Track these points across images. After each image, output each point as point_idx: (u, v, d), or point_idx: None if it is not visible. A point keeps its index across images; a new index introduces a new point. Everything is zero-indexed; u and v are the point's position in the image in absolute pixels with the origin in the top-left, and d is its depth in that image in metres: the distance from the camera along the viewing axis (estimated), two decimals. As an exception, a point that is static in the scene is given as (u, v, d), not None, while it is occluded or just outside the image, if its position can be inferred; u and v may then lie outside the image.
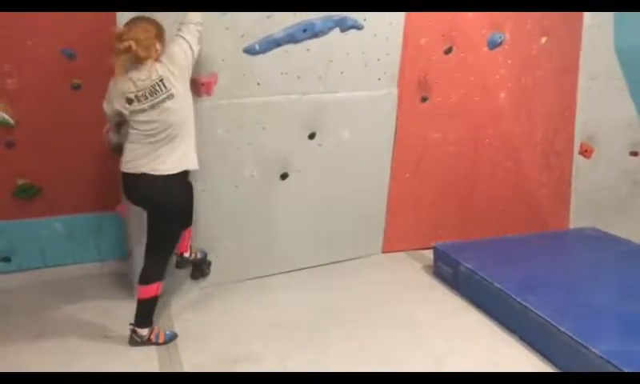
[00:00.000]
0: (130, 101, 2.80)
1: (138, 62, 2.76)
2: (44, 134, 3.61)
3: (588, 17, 4.28)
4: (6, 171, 3.61)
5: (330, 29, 3.49)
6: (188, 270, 3.52)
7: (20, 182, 3.67)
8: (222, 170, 3.46)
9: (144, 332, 2.95)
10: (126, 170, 2.92)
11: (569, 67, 4.36)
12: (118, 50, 2.72)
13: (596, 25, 4.29)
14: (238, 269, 3.71)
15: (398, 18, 3.71)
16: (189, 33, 2.86)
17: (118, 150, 3.27)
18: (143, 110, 2.79)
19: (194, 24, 2.87)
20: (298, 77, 3.51)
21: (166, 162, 2.84)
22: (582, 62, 4.38)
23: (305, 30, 3.41)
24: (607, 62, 4.38)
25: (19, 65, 3.44)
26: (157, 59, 2.80)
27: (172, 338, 3.03)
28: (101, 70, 3.32)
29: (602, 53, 4.35)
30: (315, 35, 3.46)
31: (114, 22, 2.97)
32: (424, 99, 4.02)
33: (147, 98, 2.77)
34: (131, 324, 2.96)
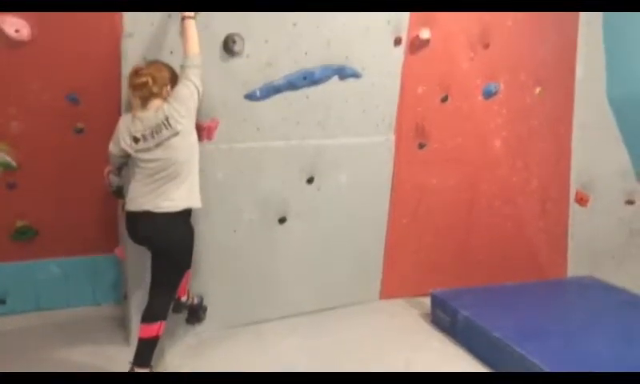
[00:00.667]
0: (136, 140, 2.85)
1: (148, 99, 2.84)
2: (45, 176, 3.64)
3: (580, 68, 4.40)
4: (6, 213, 3.63)
5: (329, 77, 3.57)
6: (184, 315, 3.50)
7: (19, 223, 3.67)
8: (221, 213, 3.48)
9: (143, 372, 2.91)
10: (129, 209, 2.94)
11: (563, 117, 4.45)
12: (134, 84, 2.81)
13: (588, 76, 4.40)
14: (234, 314, 3.68)
15: (395, 68, 3.80)
16: (193, 75, 2.91)
17: (119, 193, 3.30)
18: (149, 149, 2.84)
19: (196, 67, 2.93)
20: (298, 122, 3.58)
21: (170, 200, 2.86)
22: (575, 112, 4.47)
23: (305, 78, 3.49)
24: (600, 112, 4.46)
25: (24, 108, 3.49)
26: (165, 99, 2.87)
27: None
28: (104, 114, 3.41)
29: (595, 103, 4.45)
30: (315, 83, 3.54)
31: (118, 68, 3.05)
32: (421, 146, 4.08)
33: (153, 137, 2.82)
34: (130, 362, 2.91)
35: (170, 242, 2.93)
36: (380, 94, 3.80)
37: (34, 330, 3.61)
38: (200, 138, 3.25)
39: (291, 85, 3.47)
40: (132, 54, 3.01)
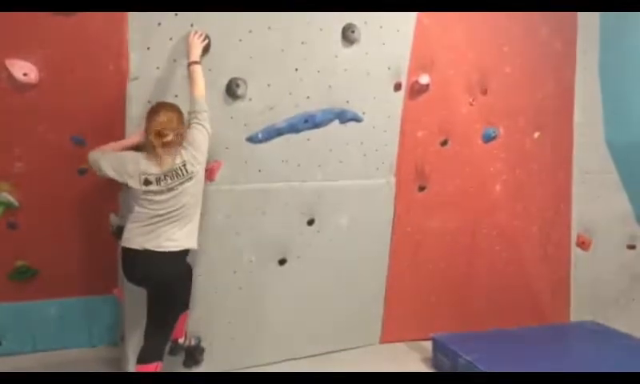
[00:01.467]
0: (148, 182, 2.86)
1: (166, 147, 2.86)
2: (47, 216, 3.65)
3: (578, 113, 4.46)
4: (6, 252, 3.62)
5: (330, 120, 3.63)
6: (180, 357, 3.44)
7: (18, 263, 3.67)
8: (221, 254, 3.48)
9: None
10: (127, 246, 2.91)
11: (562, 161, 4.49)
12: (163, 143, 2.83)
13: (586, 121, 4.46)
14: (231, 357, 3.63)
15: (395, 112, 3.86)
16: (204, 120, 2.98)
17: (119, 233, 3.30)
18: (160, 192, 2.85)
19: (205, 111, 2.99)
20: (299, 165, 3.61)
21: (172, 240, 2.87)
22: (575, 156, 4.51)
23: (306, 121, 3.55)
24: (599, 156, 4.51)
25: (29, 149, 3.52)
26: (181, 144, 2.90)
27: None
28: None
29: (594, 148, 4.50)
30: (316, 126, 3.59)
31: (123, 110, 3.10)
32: (421, 189, 4.10)
33: (167, 182, 2.85)
34: None
35: (171, 279, 2.92)
36: (380, 138, 3.85)
37: (30, 372, 3.54)
38: (202, 179, 3.28)
39: (293, 128, 3.52)
40: (137, 97, 3.07)
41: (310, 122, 3.56)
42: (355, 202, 3.86)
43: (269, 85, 3.38)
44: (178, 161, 2.87)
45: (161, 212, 2.86)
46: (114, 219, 3.39)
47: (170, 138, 2.84)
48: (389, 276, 4.12)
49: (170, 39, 3.08)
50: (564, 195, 4.52)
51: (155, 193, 2.86)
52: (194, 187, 2.91)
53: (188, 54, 3.01)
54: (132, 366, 3.34)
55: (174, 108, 2.94)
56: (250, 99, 3.33)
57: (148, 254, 2.85)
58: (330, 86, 3.56)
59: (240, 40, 3.24)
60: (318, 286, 3.85)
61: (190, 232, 2.94)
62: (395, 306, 4.16)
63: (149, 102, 3.05)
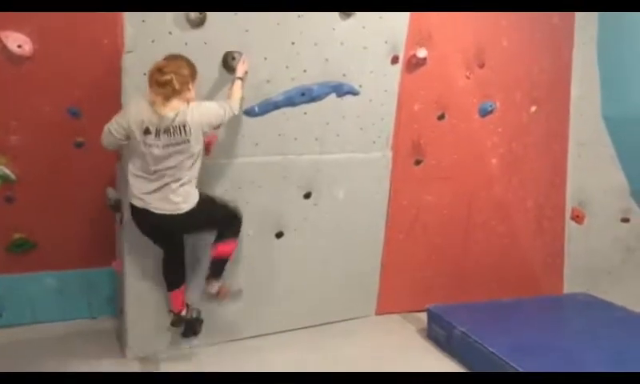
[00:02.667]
0: (147, 131, 2.86)
1: (169, 98, 2.85)
2: (44, 190, 3.66)
3: (575, 88, 4.46)
4: (3, 225, 3.63)
5: (327, 94, 3.61)
6: (180, 329, 3.49)
7: (16, 236, 3.68)
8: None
9: (215, 286, 3.29)
10: (134, 203, 3.00)
11: (558, 135, 4.50)
12: (158, 81, 2.81)
13: (583, 95, 4.46)
14: (229, 328, 3.68)
15: (392, 86, 3.85)
16: (230, 109, 3.07)
17: (117, 207, 3.32)
18: (157, 146, 2.87)
19: (233, 108, 3.10)
20: (295, 138, 3.61)
21: (172, 203, 2.96)
22: (571, 131, 4.53)
23: (303, 94, 3.54)
24: (596, 130, 4.52)
25: (25, 122, 3.52)
26: (187, 101, 2.90)
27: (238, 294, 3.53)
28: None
29: (590, 121, 4.51)
30: (312, 99, 3.58)
31: (119, 82, 3.09)
32: (418, 162, 4.12)
33: (164, 137, 2.86)
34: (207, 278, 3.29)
35: (180, 230, 3.17)
36: (377, 111, 3.84)
37: (29, 344, 3.59)
38: (198, 153, 3.29)
39: (289, 101, 3.51)
40: (132, 70, 3.05)
41: (307, 96, 3.55)
42: (352, 175, 3.88)
43: (265, 58, 3.36)
44: (180, 118, 2.86)
45: (158, 167, 2.90)
46: (111, 193, 3.40)
47: (168, 77, 2.78)
48: (385, 249, 4.16)
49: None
50: (559, 169, 4.55)
51: (152, 145, 2.87)
52: (191, 150, 2.93)
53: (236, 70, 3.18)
54: (131, 338, 3.40)
55: (185, 59, 2.93)
56: (246, 72, 3.32)
57: (151, 213, 2.96)
58: (326, 60, 3.54)
59: (236, 13, 3.21)
60: (315, 259, 3.89)
61: (188, 193, 3.00)
62: (391, 278, 4.21)
63: (144, 74, 3.03)
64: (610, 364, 3.16)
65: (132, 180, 2.98)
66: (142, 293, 3.37)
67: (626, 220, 4.59)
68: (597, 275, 4.59)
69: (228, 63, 3.24)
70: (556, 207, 4.56)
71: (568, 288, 4.61)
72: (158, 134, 2.86)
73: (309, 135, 3.65)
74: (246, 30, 3.26)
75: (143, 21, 3.01)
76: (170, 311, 3.32)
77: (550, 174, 4.52)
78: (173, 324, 3.33)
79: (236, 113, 3.14)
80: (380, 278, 4.20)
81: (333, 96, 3.64)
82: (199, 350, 3.56)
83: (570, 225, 4.61)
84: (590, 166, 4.54)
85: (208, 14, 3.12)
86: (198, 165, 3.03)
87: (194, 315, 3.47)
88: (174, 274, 3.29)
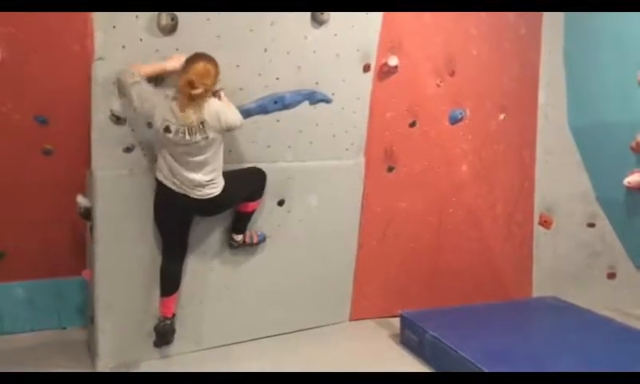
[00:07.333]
0: (167, 129, 2.99)
1: (193, 101, 2.97)
2: (12, 198, 3.60)
3: (542, 96, 4.57)
4: (-30, 235, 3.56)
5: (300, 102, 3.64)
6: (151, 338, 3.46)
7: (-17, 245, 3.62)
8: (191, 235, 3.47)
9: (239, 237, 3.52)
10: (162, 181, 3.13)
11: (527, 142, 4.60)
12: (190, 95, 2.94)
13: (550, 103, 4.57)
14: (201, 337, 3.66)
15: (364, 93, 3.90)
16: (239, 120, 3.22)
17: (87, 214, 3.28)
18: (177, 143, 3.01)
19: (238, 124, 3.23)
20: (268, 146, 3.62)
21: (202, 190, 3.14)
22: (538, 138, 4.63)
23: (275, 102, 3.56)
24: (563, 138, 4.63)
25: (-8, 129, 3.46)
26: (209, 95, 3.04)
27: (263, 238, 3.66)
28: (73, 136, 3.41)
29: (557, 129, 4.62)
30: (285, 107, 3.60)
31: (88, 90, 3.06)
32: (390, 169, 4.16)
33: (184, 135, 3.00)
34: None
35: (219, 207, 3.33)
36: (350, 119, 3.88)
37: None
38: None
39: (262, 109, 3.53)
40: (102, 77, 3.03)
41: (280, 103, 3.57)
42: (325, 182, 3.90)
43: (237, 66, 3.37)
44: (199, 117, 2.99)
45: (183, 158, 3.05)
46: (82, 200, 3.35)
47: (199, 91, 2.94)
48: (358, 255, 4.19)
49: (136, 17, 3.04)
50: (528, 176, 4.65)
51: (173, 142, 3.00)
52: (211, 144, 3.09)
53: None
54: (102, 348, 3.35)
55: (212, 61, 3.02)
56: (219, 80, 3.31)
57: (185, 198, 3.14)
58: (299, 67, 3.57)
59: (208, 19, 3.21)
60: (289, 266, 3.89)
61: (214, 181, 3.16)
62: (364, 285, 4.24)
63: (113, 83, 3.02)
64: (576, 364, 3.23)
65: (161, 162, 3.11)
66: (113, 302, 3.33)
67: (591, 225, 4.70)
68: (564, 279, 4.69)
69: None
70: (525, 213, 4.66)
71: (537, 291, 4.70)
72: (177, 132, 2.99)
73: (282, 143, 3.67)
74: (218, 36, 3.26)
75: (114, 27, 3.00)
76: (159, 316, 3.34)
77: (518, 181, 4.61)
78: (160, 329, 3.33)
79: (239, 120, 3.24)
80: (354, 284, 4.23)
81: (305, 104, 3.67)
82: (171, 359, 3.52)
83: (538, 230, 4.71)
84: (557, 173, 4.65)
85: (179, 20, 3.11)
86: (220, 151, 3.18)
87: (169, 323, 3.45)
88: (170, 280, 3.34)
